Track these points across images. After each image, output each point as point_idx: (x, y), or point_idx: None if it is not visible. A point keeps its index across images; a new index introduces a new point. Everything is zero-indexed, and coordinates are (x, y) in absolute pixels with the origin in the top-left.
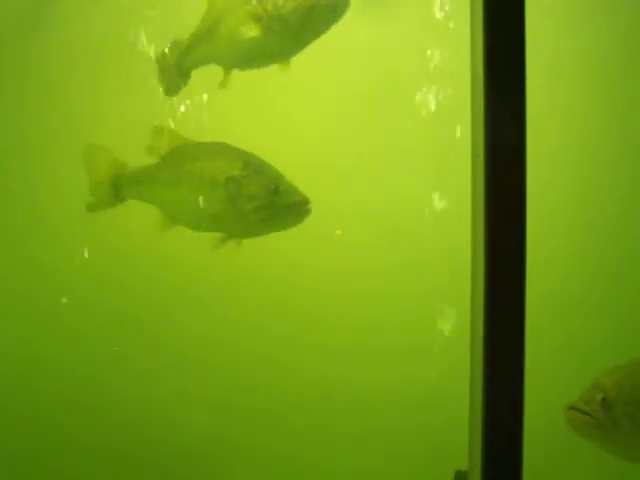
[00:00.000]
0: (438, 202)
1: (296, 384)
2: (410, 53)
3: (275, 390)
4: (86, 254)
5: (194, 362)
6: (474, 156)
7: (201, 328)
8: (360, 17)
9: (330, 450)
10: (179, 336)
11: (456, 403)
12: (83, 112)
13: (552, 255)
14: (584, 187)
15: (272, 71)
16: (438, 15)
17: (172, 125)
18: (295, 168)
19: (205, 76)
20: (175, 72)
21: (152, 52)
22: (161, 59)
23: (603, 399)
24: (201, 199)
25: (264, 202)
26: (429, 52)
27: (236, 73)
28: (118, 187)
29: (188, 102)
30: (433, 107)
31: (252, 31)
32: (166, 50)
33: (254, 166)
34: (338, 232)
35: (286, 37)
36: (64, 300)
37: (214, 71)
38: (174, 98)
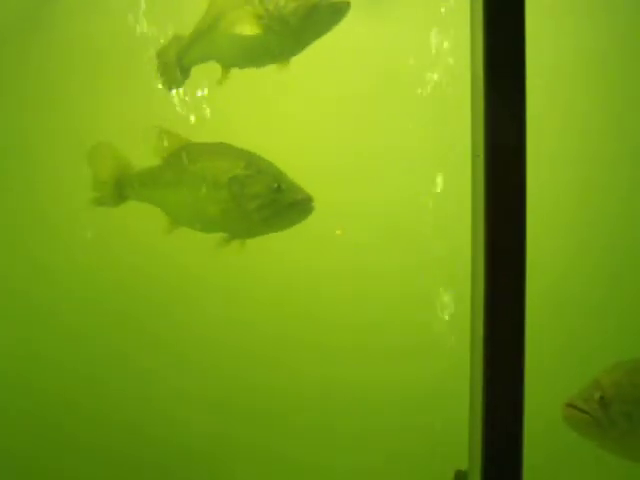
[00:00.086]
0: (438, 202)
1: (296, 384)
2: (410, 53)
3: (275, 390)
4: (86, 254)
5: (194, 362)
6: (474, 156)
7: (201, 328)
8: (361, 16)
9: (330, 450)
10: (179, 336)
11: (456, 403)
12: (83, 112)
13: (552, 255)
14: (584, 187)
15: (271, 71)
16: (438, 15)
17: (173, 125)
18: (295, 168)
19: (205, 77)
20: (175, 67)
21: (153, 51)
22: (161, 54)
23: (601, 397)
24: (204, 199)
25: (267, 201)
26: (429, 51)
27: (236, 73)
28: (122, 187)
29: (188, 102)
30: (433, 107)
31: (252, 30)
32: (167, 45)
33: (256, 165)
34: (338, 232)
35: (286, 37)
36: (64, 300)
37: (214, 71)
38: (174, 99)
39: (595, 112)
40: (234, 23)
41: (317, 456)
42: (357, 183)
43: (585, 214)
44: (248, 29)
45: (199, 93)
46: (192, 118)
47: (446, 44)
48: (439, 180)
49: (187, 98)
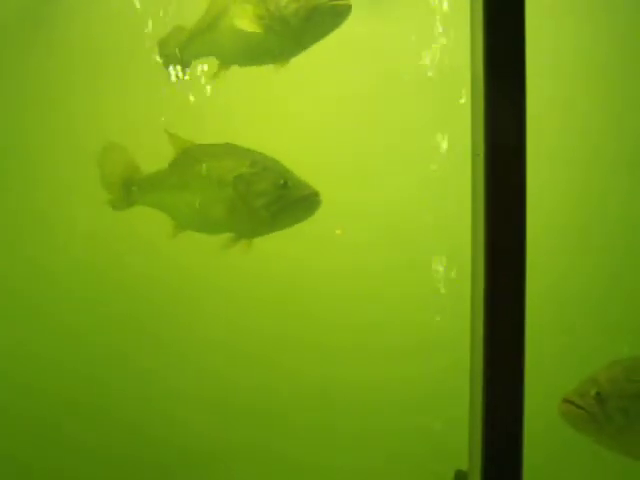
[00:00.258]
0: (438, 201)
1: (296, 384)
2: (411, 52)
3: (275, 390)
4: (86, 254)
5: (193, 362)
6: (474, 156)
7: (200, 328)
8: (362, 16)
9: (330, 450)
10: (178, 336)
11: (456, 403)
12: (84, 112)
13: (552, 255)
14: (584, 187)
15: (271, 71)
16: (438, 14)
17: (174, 126)
18: (295, 168)
19: (205, 77)
20: (176, 59)
21: (155, 50)
22: (163, 44)
23: (597, 393)
24: (211, 200)
25: (274, 197)
26: (430, 51)
27: (236, 73)
28: (129, 191)
29: (189, 102)
30: (433, 107)
31: (253, 29)
32: (167, 36)
33: (262, 163)
34: (338, 232)
35: (287, 38)
36: (64, 300)
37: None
38: (175, 99)
39: (595, 112)
40: (235, 21)
41: (317, 456)
42: (357, 183)
43: (585, 214)
44: (248, 28)
45: (199, 93)
46: (194, 118)
47: (446, 44)
48: (439, 179)
49: (189, 98)
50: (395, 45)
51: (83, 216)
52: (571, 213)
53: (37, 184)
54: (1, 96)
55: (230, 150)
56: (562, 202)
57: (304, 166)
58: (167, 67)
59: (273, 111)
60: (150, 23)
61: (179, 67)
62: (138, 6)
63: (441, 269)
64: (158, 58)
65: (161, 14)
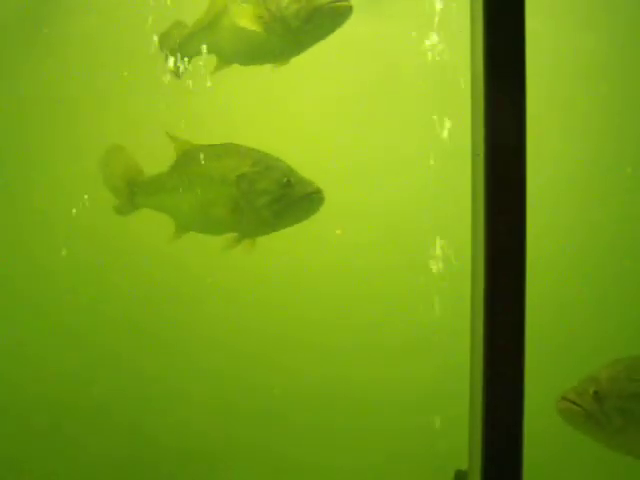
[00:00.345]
0: (438, 201)
1: (296, 384)
2: (411, 52)
3: (274, 390)
4: (87, 255)
5: (194, 363)
6: (474, 155)
7: (201, 329)
8: (362, 15)
9: (330, 450)
10: (179, 337)
11: (456, 403)
12: (84, 112)
13: (552, 255)
14: (584, 187)
15: (271, 70)
16: (439, 14)
17: (175, 126)
18: (295, 168)
19: (204, 77)
20: (176, 52)
21: (154, 50)
22: (163, 39)
23: (595, 392)
24: (214, 200)
25: (277, 196)
26: (429, 51)
27: (236, 73)
28: (133, 195)
29: (189, 102)
30: (433, 107)
31: (253, 29)
32: (168, 30)
33: (264, 162)
34: (338, 232)
35: (287, 38)
36: (64, 301)
37: (214, 73)
38: (174, 100)
39: (595, 112)
40: (235, 20)
41: (317, 456)
42: (357, 183)
43: (585, 213)
44: (249, 27)
45: (200, 93)
46: (194, 118)
47: (446, 43)
48: (439, 179)
49: (190, 98)
50: (395, 45)
51: (83, 216)
52: (571, 213)
53: (37, 184)
54: (1, 96)
55: (232, 150)
56: (562, 202)
57: (304, 166)
58: (168, 60)
59: (273, 111)
60: (150, 22)
61: (179, 62)
62: (138, 6)
63: (441, 269)
64: (160, 51)
65: (161, 13)
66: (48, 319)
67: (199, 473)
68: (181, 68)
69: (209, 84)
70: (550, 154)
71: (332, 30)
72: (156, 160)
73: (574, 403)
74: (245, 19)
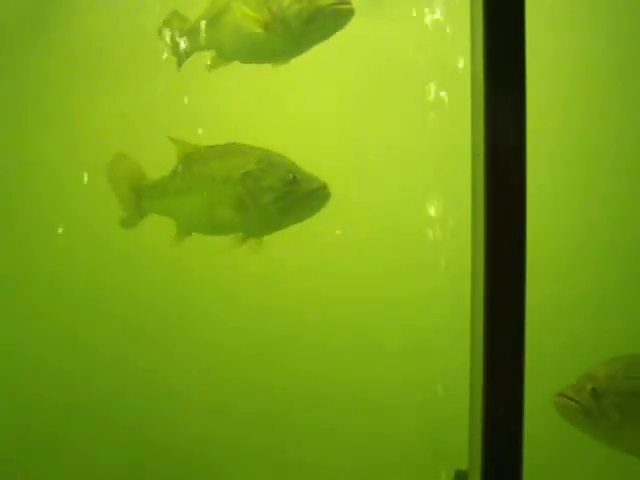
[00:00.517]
0: (438, 202)
1: (297, 386)
2: (411, 52)
3: (275, 392)
4: (87, 256)
5: (194, 364)
6: (474, 155)
7: (201, 330)
8: (362, 15)
9: (330, 451)
10: (179, 338)
11: (456, 403)
12: (84, 111)
13: (552, 255)
14: (584, 187)
15: (271, 70)
16: (439, 14)
17: (176, 125)
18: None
19: (204, 78)
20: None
21: (156, 50)
22: (162, 31)
23: (593, 389)
24: (220, 200)
25: (283, 192)
26: (429, 51)
27: (236, 73)
28: (139, 200)
29: (189, 103)
30: (433, 107)
31: (254, 28)
32: (165, 21)
33: (268, 160)
34: (338, 232)
35: (288, 39)
36: (64, 303)
37: (215, 73)
38: (174, 100)
39: (595, 112)
40: (236, 19)
41: (318, 457)
42: (357, 183)
43: (585, 213)
44: (249, 26)
45: (200, 93)
46: (195, 118)
47: (446, 43)
48: (439, 180)
49: (190, 98)
50: (396, 45)
51: (83, 217)
52: (571, 213)
53: (37, 185)
54: (1, 96)
55: (235, 149)
56: (562, 202)
57: (304, 166)
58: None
59: (273, 112)
60: (151, 23)
61: (180, 51)
62: (139, 6)
63: (441, 269)
64: (160, 37)
65: (163, 14)
66: (48, 321)
67: (199, 474)
68: (182, 58)
69: (209, 84)
70: (550, 154)
71: (333, 32)
72: (159, 160)
73: (571, 399)
74: (246, 18)
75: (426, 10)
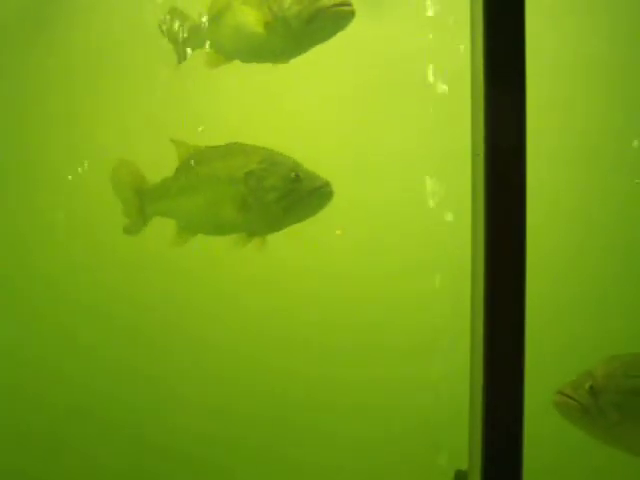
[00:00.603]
0: (438, 201)
1: (297, 386)
2: (411, 52)
3: (275, 393)
4: (88, 259)
5: (194, 366)
6: (474, 155)
7: (202, 331)
8: (363, 15)
9: (331, 451)
10: (179, 339)
11: (456, 403)
12: (84, 112)
13: (552, 255)
14: (584, 187)
15: (271, 70)
16: (439, 14)
17: (177, 126)
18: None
19: (205, 77)
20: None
21: (156, 51)
22: (162, 26)
23: (591, 387)
24: (223, 200)
25: (286, 191)
26: (429, 51)
27: (236, 73)
28: (142, 203)
29: (189, 103)
30: (433, 106)
31: (254, 27)
32: (165, 17)
33: (271, 159)
34: (338, 232)
35: (288, 39)
36: (65, 305)
37: (215, 73)
38: (174, 101)
39: (595, 112)
40: (237, 19)
41: (318, 457)
42: (358, 183)
43: (585, 213)
44: (250, 26)
45: (200, 93)
46: (195, 118)
47: (446, 43)
48: (439, 180)
49: (190, 99)
50: (396, 45)
51: (84, 218)
52: (571, 213)
53: (37, 185)
54: (1, 96)
55: (237, 149)
56: (562, 202)
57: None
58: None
59: (272, 111)
60: (151, 23)
61: (179, 49)
62: (139, 6)
63: (441, 269)
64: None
65: (164, 14)
66: (48, 321)
67: (200, 475)
68: (181, 55)
69: (209, 84)
70: (550, 154)
71: (334, 33)
72: (156, 160)
73: (570, 397)
74: (247, 17)
75: (426, 10)
